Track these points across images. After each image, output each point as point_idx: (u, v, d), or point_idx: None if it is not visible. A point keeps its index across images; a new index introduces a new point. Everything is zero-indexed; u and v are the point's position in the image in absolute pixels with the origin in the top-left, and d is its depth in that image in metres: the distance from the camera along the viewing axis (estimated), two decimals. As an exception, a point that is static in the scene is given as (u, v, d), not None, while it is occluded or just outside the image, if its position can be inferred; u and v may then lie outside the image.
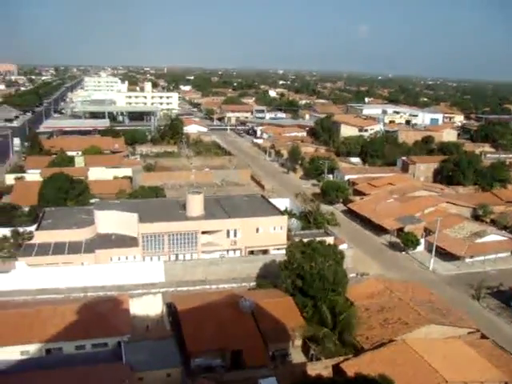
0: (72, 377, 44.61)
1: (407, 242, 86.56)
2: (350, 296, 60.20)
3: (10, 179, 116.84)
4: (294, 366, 53.14)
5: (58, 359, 50.91)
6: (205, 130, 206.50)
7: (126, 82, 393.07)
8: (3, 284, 68.80)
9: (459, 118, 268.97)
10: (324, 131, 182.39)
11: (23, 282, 69.26)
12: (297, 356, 55.60)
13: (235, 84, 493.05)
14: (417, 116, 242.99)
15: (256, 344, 53.50)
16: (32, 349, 52.03)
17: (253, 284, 72.78)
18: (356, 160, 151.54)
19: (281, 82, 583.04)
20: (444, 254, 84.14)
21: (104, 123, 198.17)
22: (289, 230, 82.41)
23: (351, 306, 56.32)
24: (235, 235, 78.41)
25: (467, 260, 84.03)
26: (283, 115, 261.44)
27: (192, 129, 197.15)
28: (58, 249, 73.88)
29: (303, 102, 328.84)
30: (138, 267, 73.74)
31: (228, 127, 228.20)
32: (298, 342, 56.41)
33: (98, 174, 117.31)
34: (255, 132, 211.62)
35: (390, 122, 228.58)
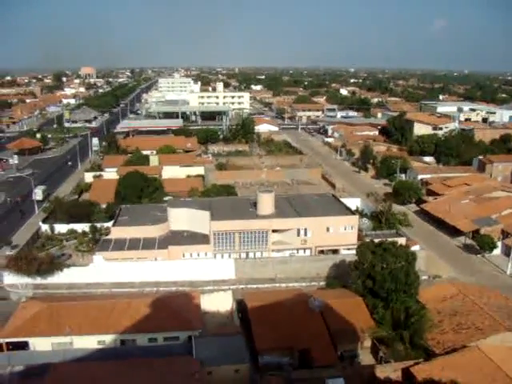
0: (146, 367, 46.21)
1: (483, 244, 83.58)
2: (421, 299, 58.85)
3: (88, 177, 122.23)
4: (362, 367, 52.69)
5: (132, 350, 53.06)
6: (276, 129, 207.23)
7: (199, 83, 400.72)
8: (82, 277, 72.32)
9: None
10: (396, 130, 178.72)
11: (100, 276, 72.40)
12: (366, 357, 55.15)
13: (306, 83, 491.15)
14: (495, 113, 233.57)
15: (324, 343, 53.46)
16: (108, 339, 54.52)
17: (322, 283, 72.70)
18: (429, 159, 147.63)
19: (352, 81, 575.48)
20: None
21: (177, 123, 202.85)
22: (359, 230, 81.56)
23: (423, 308, 55.15)
24: (305, 234, 78.45)
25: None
26: (355, 114, 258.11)
27: (263, 128, 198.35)
28: (133, 244, 76.78)
29: (375, 100, 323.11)
30: (209, 264, 75.33)
31: (299, 126, 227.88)
32: (368, 344, 55.88)
33: (171, 172, 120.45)
34: (326, 131, 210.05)
35: (466, 119, 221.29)
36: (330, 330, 54.92)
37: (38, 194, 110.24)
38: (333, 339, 54.08)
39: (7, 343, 53.63)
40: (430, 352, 51.23)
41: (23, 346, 53.97)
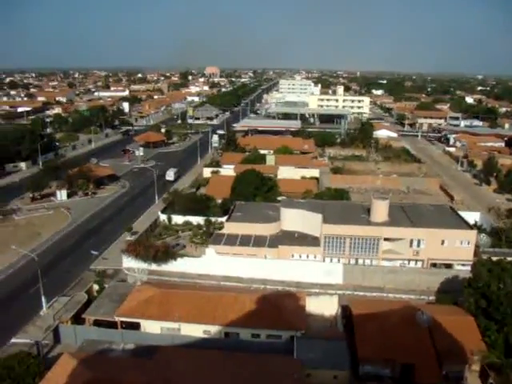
0: (249, 361, 47.28)
1: None
2: (541, 326, 54.92)
3: (207, 172, 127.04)
4: (468, 390, 50.33)
5: (235, 343, 54.56)
6: (395, 135, 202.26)
7: (319, 85, 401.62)
8: (194, 267, 75.20)
9: None
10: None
11: (211, 268, 74.83)
12: (473, 381, 52.28)
13: (429, 89, 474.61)
14: None
15: (429, 360, 51.56)
16: (213, 329, 56.64)
17: (432, 298, 69.97)
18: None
19: (479, 88, 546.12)
20: None
21: (295, 124, 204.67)
22: (477, 246, 77.65)
23: (542, 337, 51.49)
24: (418, 245, 76.02)
25: None
26: (479, 123, 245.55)
27: (382, 133, 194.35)
28: (245, 240, 78.65)
29: (503, 109, 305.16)
30: (317, 266, 75.30)
31: (419, 133, 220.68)
32: (476, 367, 52.90)
33: (286, 172, 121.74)
34: (448, 140, 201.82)
35: None
36: (436, 348, 52.87)
37: (169, 175, 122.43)
38: (439, 357, 52.02)
39: (121, 322, 57.58)
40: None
41: (135, 326, 57.74)
